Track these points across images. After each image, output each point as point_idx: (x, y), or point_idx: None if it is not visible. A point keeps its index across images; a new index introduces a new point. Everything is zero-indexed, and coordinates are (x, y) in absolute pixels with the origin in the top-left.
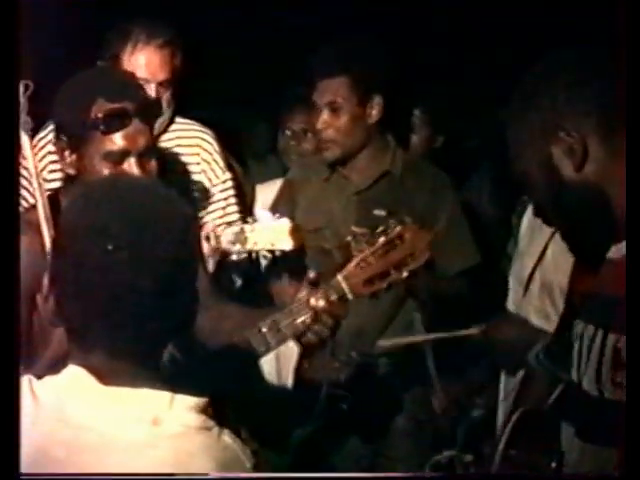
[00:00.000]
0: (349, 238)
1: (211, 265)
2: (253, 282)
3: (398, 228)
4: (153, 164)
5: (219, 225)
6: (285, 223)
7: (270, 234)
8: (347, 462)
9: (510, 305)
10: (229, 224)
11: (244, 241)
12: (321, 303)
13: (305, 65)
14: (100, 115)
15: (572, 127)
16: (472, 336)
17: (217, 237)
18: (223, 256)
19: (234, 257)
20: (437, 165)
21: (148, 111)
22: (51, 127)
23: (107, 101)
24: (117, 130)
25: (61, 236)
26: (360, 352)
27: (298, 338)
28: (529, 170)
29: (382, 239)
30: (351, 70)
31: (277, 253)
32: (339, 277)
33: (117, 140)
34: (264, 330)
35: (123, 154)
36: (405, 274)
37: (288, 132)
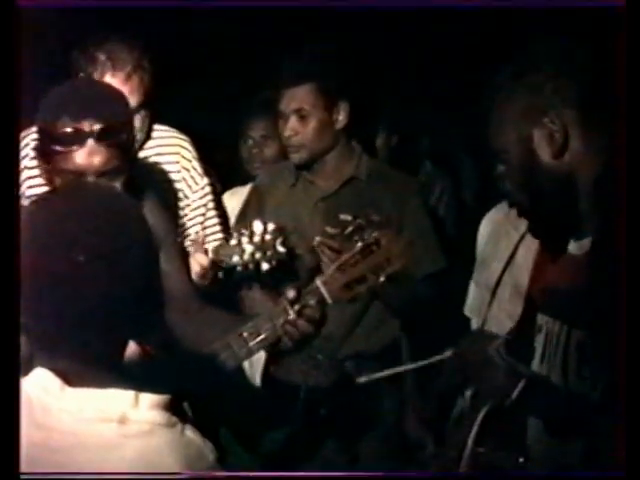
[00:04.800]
0: (318, 239)
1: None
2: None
3: (375, 233)
4: (116, 185)
5: (204, 230)
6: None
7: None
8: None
9: (468, 311)
10: (210, 229)
11: (242, 252)
12: (299, 309)
13: (268, 73)
14: (57, 133)
15: (556, 115)
16: (446, 360)
17: (215, 251)
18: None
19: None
20: (395, 164)
21: (109, 132)
22: (25, 140)
23: (70, 119)
24: (73, 149)
25: (25, 248)
26: (326, 355)
27: (278, 343)
28: (507, 147)
29: (359, 244)
30: (317, 77)
31: (273, 263)
32: (318, 282)
33: (74, 159)
34: (245, 335)
35: (78, 174)
36: (382, 279)
37: (250, 140)
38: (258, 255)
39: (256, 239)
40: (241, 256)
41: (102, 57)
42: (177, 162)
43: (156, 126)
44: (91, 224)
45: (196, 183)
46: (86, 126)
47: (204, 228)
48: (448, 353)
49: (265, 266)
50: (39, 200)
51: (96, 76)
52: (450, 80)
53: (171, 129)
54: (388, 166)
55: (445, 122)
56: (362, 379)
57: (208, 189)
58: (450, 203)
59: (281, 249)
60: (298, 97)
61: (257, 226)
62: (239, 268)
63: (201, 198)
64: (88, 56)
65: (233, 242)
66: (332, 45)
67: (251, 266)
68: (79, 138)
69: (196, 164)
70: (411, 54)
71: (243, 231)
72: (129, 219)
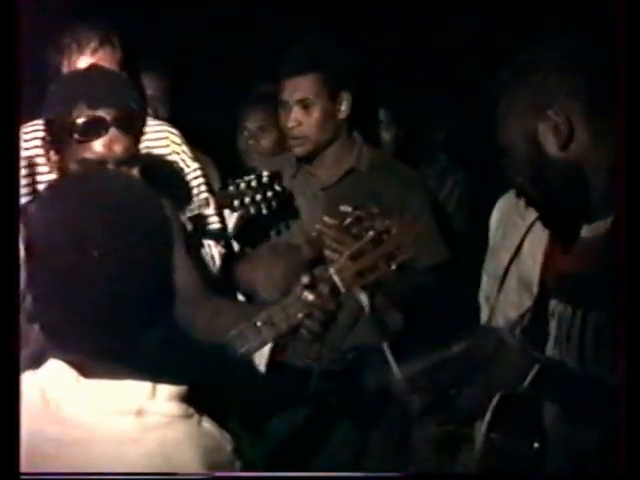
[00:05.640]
0: (315, 233)
1: (217, 257)
2: (230, 261)
3: (386, 222)
4: (135, 173)
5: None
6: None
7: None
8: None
9: (481, 299)
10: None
11: (242, 196)
12: (313, 297)
13: (268, 64)
14: (77, 122)
15: (560, 107)
16: (456, 355)
17: (216, 196)
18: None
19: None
20: (404, 159)
21: (129, 120)
22: (26, 129)
23: (87, 107)
24: (93, 138)
25: (38, 240)
26: (330, 347)
27: (293, 331)
28: (514, 143)
29: (371, 233)
30: (321, 67)
31: (274, 205)
32: (331, 270)
33: (94, 147)
34: (259, 324)
35: (99, 162)
36: (393, 267)
37: (246, 132)
38: (258, 197)
39: (253, 183)
40: (242, 200)
41: (67, 41)
42: (167, 146)
43: None
44: (106, 215)
45: (188, 166)
46: (106, 114)
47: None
48: (456, 349)
49: (265, 210)
50: (53, 188)
51: (65, 61)
52: (457, 74)
53: (153, 119)
54: (390, 157)
55: (455, 116)
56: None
57: (199, 172)
58: (462, 196)
59: (278, 188)
60: (302, 87)
61: (251, 175)
62: (240, 212)
63: (194, 179)
64: (56, 46)
65: (231, 188)
66: (335, 35)
67: (252, 210)
68: (101, 126)
69: (185, 148)
70: (415, 48)
71: (238, 180)
72: (147, 209)
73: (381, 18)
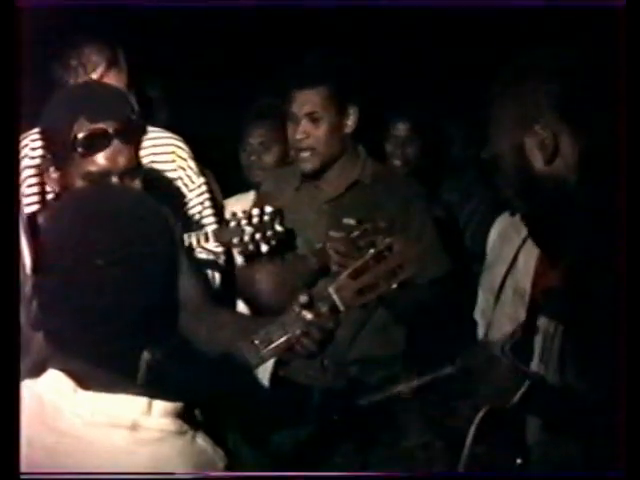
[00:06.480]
0: (320, 245)
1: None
2: (229, 277)
3: (387, 240)
4: (137, 183)
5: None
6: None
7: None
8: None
9: (477, 315)
10: (207, 227)
11: (242, 234)
12: (311, 316)
13: (270, 79)
14: (80, 136)
15: (547, 123)
16: (450, 375)
17: (215, 233)
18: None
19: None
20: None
21: (130, 131)
22: (26, 141)
23: (88, 120)
24: (97, 151)
25: (46, 248)
26: (333, 360)
27: (290, 350)
28: (502, 155)
29: (372, 251)
30: (330, 81)
31: (273, 243)
32: (330, 289)
33: (98, 161)
34: (257, 342)
35: (103, 174)
36: (394, 285)
37: (248, 148)
38: (258, 236)
39: (255, 220)
40: (241, 237)
41: (73, 63)
42: (173, 161)
43: (148, 127)
44: (113, 228)
45: (192, 182)
46: (107, 126)
47: (201, 226)
48: (448, 370)
49: (264, 247)
50: (62, 198)
51: (72, 81)
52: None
53: (163, 130)
54: (393, 170)
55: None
56: (363, 402)
57: (204, 187)
58: (486, 214)
59: (279, 228)
60: (311, 100)
61: (255, 209)
62: (239, 249)
63: (198, 196)
64: (63, 64)
65: (232, 224)
66: (343, 49)
67: (251, 247)
68: (104, 139)
69: (191, 163)
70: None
71: (240, 215)
72: (154, 224)
73: (391, 33)
